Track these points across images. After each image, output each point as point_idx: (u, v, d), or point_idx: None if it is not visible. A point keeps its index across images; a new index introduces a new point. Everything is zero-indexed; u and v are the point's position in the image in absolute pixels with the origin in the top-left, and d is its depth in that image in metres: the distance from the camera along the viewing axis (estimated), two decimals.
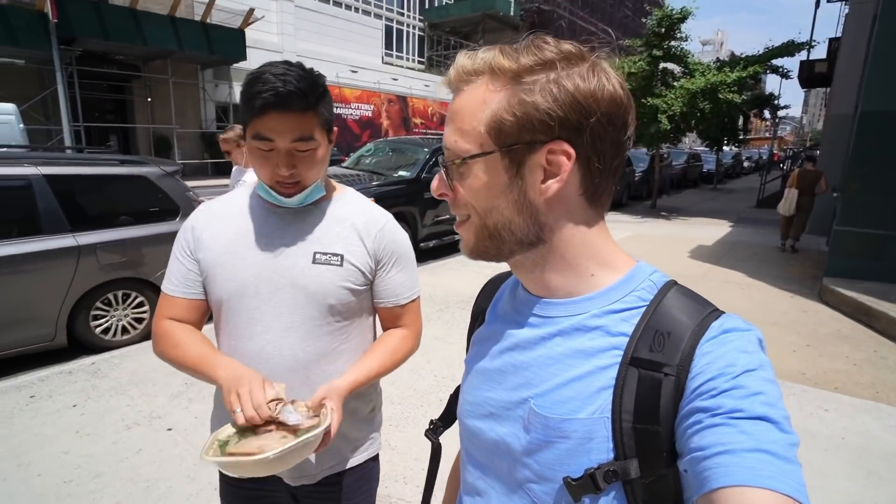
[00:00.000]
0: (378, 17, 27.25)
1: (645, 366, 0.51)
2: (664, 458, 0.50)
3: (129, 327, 3.94)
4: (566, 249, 0.57)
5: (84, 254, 3.54)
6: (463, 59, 0.56)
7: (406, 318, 1.15)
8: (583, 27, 33.74)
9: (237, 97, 20.05)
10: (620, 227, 10.18)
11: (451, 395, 0.80)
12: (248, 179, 3.51)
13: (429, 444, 0.82)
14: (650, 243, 8.59)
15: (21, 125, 6.79)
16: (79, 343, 3.70)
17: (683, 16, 11.11)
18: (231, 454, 0.77)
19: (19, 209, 3.41)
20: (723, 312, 0.53)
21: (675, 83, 11.98)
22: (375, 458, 1.21)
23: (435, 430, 0.81)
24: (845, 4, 12.83)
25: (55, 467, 2.37)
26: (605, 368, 0.53)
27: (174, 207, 4.06)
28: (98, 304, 3.73)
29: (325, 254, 1.03)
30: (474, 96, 0.54)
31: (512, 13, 28.73)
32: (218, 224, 1.06)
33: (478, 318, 0.75)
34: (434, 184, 0.59)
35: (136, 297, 3.93)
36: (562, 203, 0.55)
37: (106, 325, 3.81)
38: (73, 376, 3.29)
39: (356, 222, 1.07)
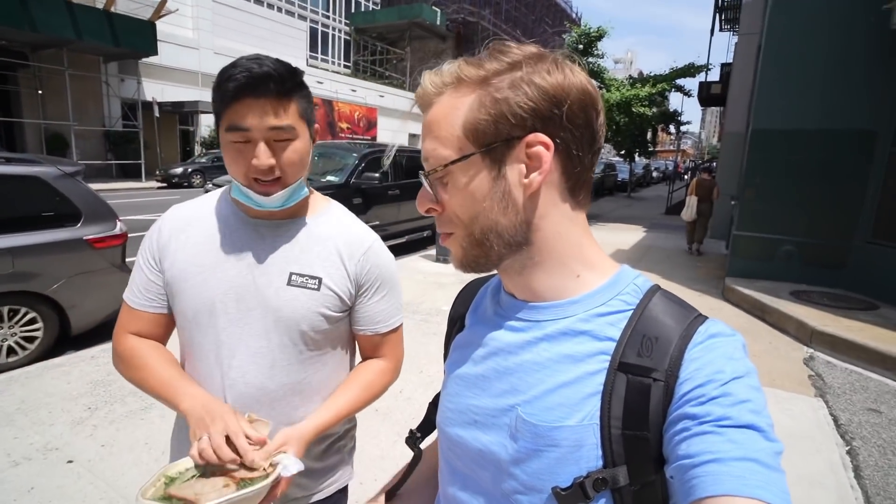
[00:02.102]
0: (302, 17, 26.56)
1: (633, 371, 0.50)
2: (652, 465, 0.49)
3: (17, 347, 3.46)
4: (554, 246, 0.56)
5: None
6: (429, 75, 0.56)
7: (385, 348, 1.06)
8: (505, 40, 34.94)
9: (147, 94, 18.63)
10: None
11: (430, 403, 0.77)
12: None
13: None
14: None
15: None
16: None
17: (600, 34, 11.89)
18: (170, 496, 0.70)
19: None
20: (707, 317, 0.54)
21: None
22: (344, 491, 1.11)
23: (415, 440, 0.77)
24: (734, 34, 14.37)
25: None
26: (593, 374, 0.52)
27: (75, 212, 3.63)
28: None
29: (301, 275, 0.93)
30: (445, 105, 0.55)
31: (438, 23, 29.18)
32: (187, 232, 0.95)
33: (456, 323, 0.72)
34: (418, 200, 0.58)
35: (26, 314, 3.47)
36: (546, 197, 0.55)
37: None
38: None
39: (339, 242, 0.98)
